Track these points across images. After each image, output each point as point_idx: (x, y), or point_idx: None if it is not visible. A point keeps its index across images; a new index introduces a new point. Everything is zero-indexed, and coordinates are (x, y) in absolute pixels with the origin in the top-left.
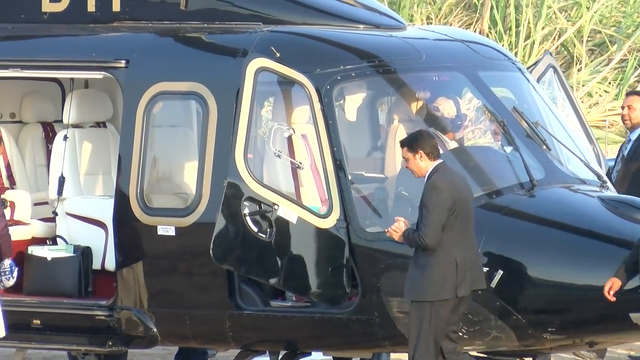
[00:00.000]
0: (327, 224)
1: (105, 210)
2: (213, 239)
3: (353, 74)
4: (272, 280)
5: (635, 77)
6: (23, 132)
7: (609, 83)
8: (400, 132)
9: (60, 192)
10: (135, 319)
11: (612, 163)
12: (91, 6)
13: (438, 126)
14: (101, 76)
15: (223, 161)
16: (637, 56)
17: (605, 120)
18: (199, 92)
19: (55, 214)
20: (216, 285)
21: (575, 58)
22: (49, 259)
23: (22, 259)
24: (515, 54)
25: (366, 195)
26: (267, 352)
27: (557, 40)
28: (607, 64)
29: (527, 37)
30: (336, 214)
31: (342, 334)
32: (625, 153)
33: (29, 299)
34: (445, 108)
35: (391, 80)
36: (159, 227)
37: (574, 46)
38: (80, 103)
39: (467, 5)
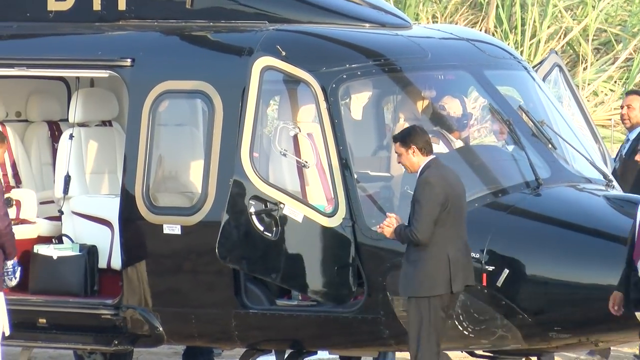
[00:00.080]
0: (333, 222)
1: (111, 209)
2: (219, 238)
3: (359, 73)
4: (278, 279)
5: None
6: (29, 130)
7: (615, 82)
8: None
9: (66, 190)
10: (141, 318)
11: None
12: (97, 5)
13: (444, 125)
14: (107, 75)
15: (229, 160)
16: None
17: (610, 119)
18: (204, 90)
19: (61, 212)
20: (222, 284)
21: (580, 57)
22: (54, 257)
23: (27, 257)
24: (521, 52)
25: (372, 194)
26: (272, 351)
27: (563, 39)
28: (613, 63)
29: (533, 35)
30: (342, 212)
31: (348, 333)
32: (624, 152)
33: (35, 297)
34: (452, 107)
35: (397, 79)
36: (164, 226)
37: (580, 45)
38: (86, 102)
39: (473, 4)
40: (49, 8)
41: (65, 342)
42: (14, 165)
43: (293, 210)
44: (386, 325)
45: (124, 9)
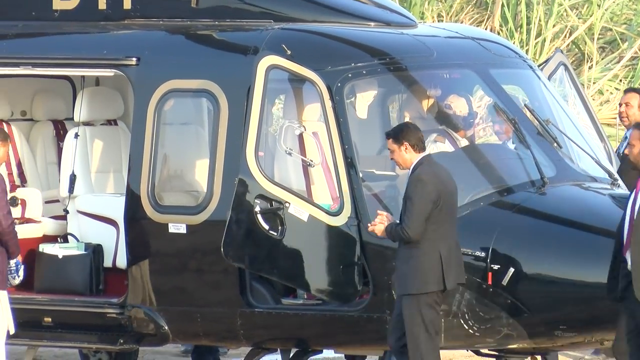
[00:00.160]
0: (338, 221)
1: (116, 208)
2: (224, 237)
3: (364, 72)
4: (283, 278)
5: None
6: (34, 129)
7: (620, 80)
8: None
9: (71, 189)
10: (147, 317)
11: None
12: (102, 4)
13: (449, 124)
14: (112, 74)
15: (234, 159)
16: None
17: (616, 118)
18: (210, 89)
19: (67, 211)
20: (227, 283)
21: (586, 55)
22: (60, 256)
23: (33, 256)
24: (526, 51)
25: (377, 193)
26: (278, 350)
27: (568, 37)
28: (618, 62)
29: (538, 34)
30: (347, 211)
31: (353, 331)
32: (622, 151)
33: (40, 296)
34: (457, 106)
35: (402, 77)
36: (170, 225)
37: (585, 44)
38: (91, 101)
39: (478, 2)
40: (55, 7)
41: (70, 341)
42: (19, 164)
43: (298, 209)
44: None
45: (130, 7)
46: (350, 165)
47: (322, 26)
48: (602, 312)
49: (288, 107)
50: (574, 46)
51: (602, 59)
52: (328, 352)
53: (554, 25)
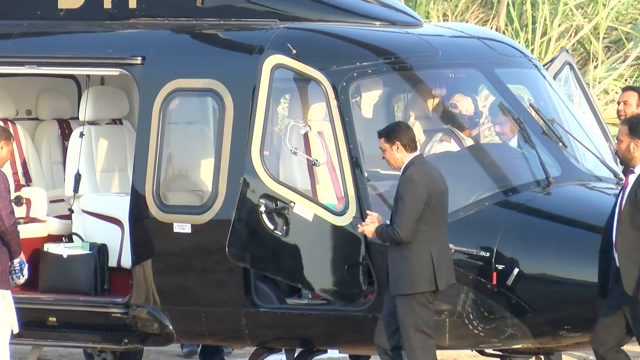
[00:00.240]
0: (343, 221)
1: (121, 208)
2: (229, 237)
3: (369, 71)
4: (288, 278)
5: None
6: (39, 129)
7: (625, 80)
8: (417, 129)
9: (76, 189)
10: (151, 317)
11: None
12: (107, 3)
13: (455, 123)
14: (117, 73)
15: (239, 158)
16: None
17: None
18: (215, 89)
19: (71, 211)
20: (232, 282)
21: (591, 55)
22: (64, 256)
23: (38, 256)
24: (532, 51)
25: (382, 192)
26: (282, 349)
27: (574, 37)
28: (624, 61)
29: (544, 34)
30: (352, 211)
31: (358, 331)
32: None
33: (45, 296)
34: (463, 105)
35: (407, 77)
36: (175, 225)
37: (590, 43)
38: (96, 100)
39: (484, 2)
40: (60, 6)
41: (75, 340)
42: (24, 164)
43: (303, 209)
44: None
45: (135, 7)
46: (355, 164)
47: (328, 25)
48: None
49: (293, 107)
50: (579, 45)
51: (608, 58)
52: (333, 352)
53: (559, 25)
